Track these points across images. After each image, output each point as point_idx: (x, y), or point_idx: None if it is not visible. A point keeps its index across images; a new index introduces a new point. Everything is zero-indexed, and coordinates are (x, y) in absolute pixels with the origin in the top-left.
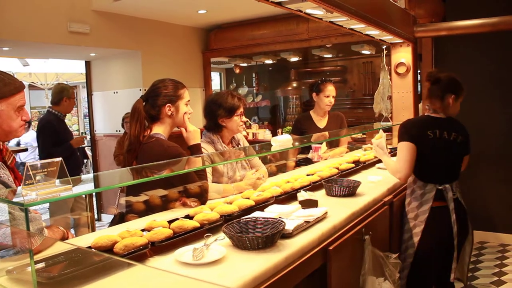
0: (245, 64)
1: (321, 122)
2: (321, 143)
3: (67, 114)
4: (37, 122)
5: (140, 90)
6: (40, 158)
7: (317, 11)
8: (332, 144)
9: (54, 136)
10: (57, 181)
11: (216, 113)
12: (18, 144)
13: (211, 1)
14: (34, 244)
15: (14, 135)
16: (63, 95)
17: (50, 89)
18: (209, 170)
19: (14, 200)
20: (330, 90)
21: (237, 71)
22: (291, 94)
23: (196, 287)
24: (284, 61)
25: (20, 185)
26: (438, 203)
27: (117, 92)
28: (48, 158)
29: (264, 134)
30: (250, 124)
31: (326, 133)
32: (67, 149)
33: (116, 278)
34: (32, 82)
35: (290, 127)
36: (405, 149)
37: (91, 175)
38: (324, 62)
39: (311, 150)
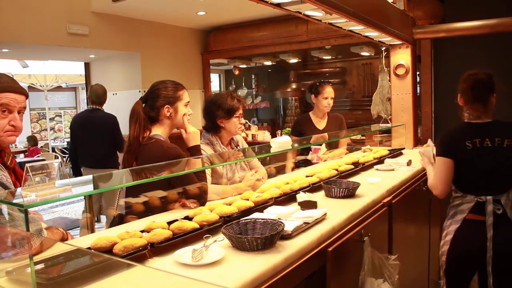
0: (244, 66)
1: (321, 123)
2: (320, 145)
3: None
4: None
5: (140, 91)
6: (116, 148)
7: (316, 13)
8: (331, 145)
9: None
10: (57, 182)
11: (215, 114)
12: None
13: (210, 3)
14: (34, 245)
15: None
16: (105, 96)
17: (50, 91)
18: (208, 172)
19: (14, 201)
20: (329, 91)
21: (236, 72)
22: (290, 96)
23: (198, 287)
24: (283, 62)
25: (20, 185)
26: (475, 216)
27: (116, 94)
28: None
29: (264, 135)
30: (249, 125)
31: (326, 134)
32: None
33: (116, 279)
34: (32, 84)
35: (290, 129)
36: (441, 165)
37: (90, 176)
38: (323, 63)
39: (310, 152)
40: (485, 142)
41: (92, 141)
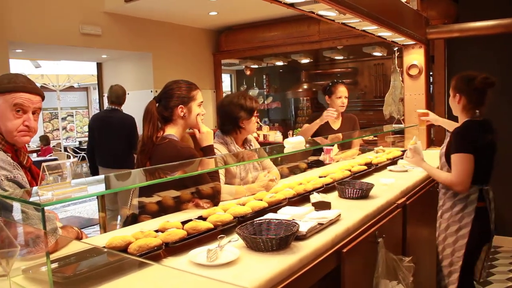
0: (255, 66)
1: (335, 124)
2: (332, 145)
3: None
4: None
5: (151, 91)
6: (132, 149)
7: (330, 13)
8: (344, 146)
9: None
10: (73, 181)
11: (237, 115)
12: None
13: (222, 3)
14: (50, 243)
15: (11, 138)
16: (125, 96)
17: (62, 91)
18: (221, 171)
19: (31, 200)
20: (342, 91)
21: (248, 72)
22: (301, 96)
23: (215, 287)
24: (294, 63)
25: (37, 184)
26: (480, 203)
27: (128, 94)
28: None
29: (275, 135)
30: (260, 125)
31: (340, 134)
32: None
33: (133, 278)
34: (44, 84)
35: (300, 129)
36: (467, 161)
37: (104, 176)
38: (335, 64)
39: (322, 152)
40: (491, 137)
41: (109, 141)
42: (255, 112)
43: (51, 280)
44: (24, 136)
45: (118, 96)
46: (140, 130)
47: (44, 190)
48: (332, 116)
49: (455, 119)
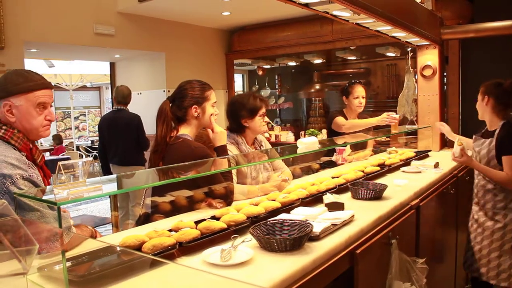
0: (268, 66)
1: None
2: (345, 146)
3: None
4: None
5: (164, 91)
6: (140, 148)
7: (344, 13)
8: (357, 146)
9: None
10: (88, 180)
11: (239, 114)
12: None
13: (235, 3)
14: (65, 241)
15: (36, 134)
16: (131, 96)
17: (75, 90)
18: (233, 171)
19: (46, 198)
20: (359, 91)
21: (260, 73)
22: (314, 96)
23: (231, 286)
24: (307, 63)
25: (48, 184)
26: None
27: (141, 93)
28: (147, 146)
29: (287, 136)
30: (272, 126)
31: (354, 135)
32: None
33: (148, 276)
34: (57, 83)
35: (313, 129)
36: None
37: (118, 175)
38: (347, 64)
39: (335, 153)
40: None
41: (118, 140)
42: (260, 111)
43: (67, 279)
44: (48, 129)
45: (124, 96)
46: (149, 129)
47: (59, 189)
48: (392, 122)
49: (471, 121)
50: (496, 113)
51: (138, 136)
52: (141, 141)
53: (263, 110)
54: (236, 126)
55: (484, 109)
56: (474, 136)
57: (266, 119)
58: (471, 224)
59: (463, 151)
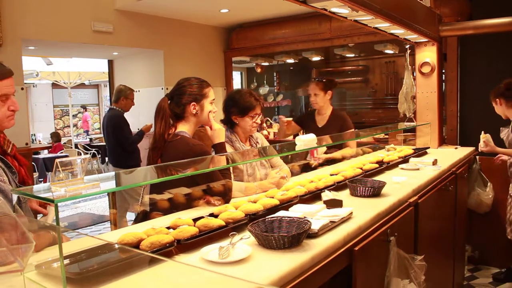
0: (266, 63)
1: (321, 121)
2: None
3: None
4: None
5: (162, 88)
6: (121, 148)
7: (342, 10)
8: (336, 145)
9: (128, 126)
10: (85, 178)
11: (230, 109)
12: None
13: (234, 0)
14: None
15: (1, 126)
16: (120, 94)
17: (73, 88)
18: (230, 169)
19: (43, 195)
20: (310, 88)
21: (258, 70)
22: None
23: (229, 284)
24: (305, 60)
25: (26, 172)
26: None
27: (139, 91)
28: (129, 146)
29: None
30: (271, 123)
31: (326, 137)
32: (141, 136)
33: (146, 273)
34: (56, 81)
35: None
36: None
37: (116, 172)
38: (346, 61)
39: (309, 155)
40: None
41: (107, 141)
42: (252, 112)
43: (64, 276)
44: (12, 119)
45: (114, 94)
46: (136, 126)
47: (57, 186)
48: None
49: (469, 118)
50: (510, 107)
51: (117, 135)
52: (122, 141)
53: (256, 111)
54: (226, 120)
55: (501, 109)
56: (501, 128)
57: (259, 120)
58: (508, 200)
59: (486, 142)
